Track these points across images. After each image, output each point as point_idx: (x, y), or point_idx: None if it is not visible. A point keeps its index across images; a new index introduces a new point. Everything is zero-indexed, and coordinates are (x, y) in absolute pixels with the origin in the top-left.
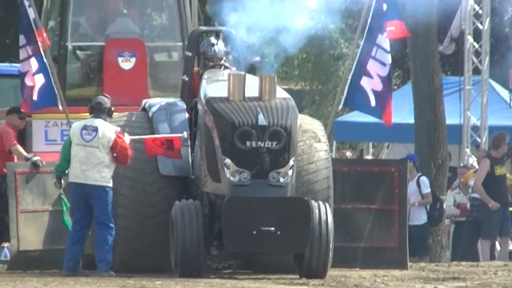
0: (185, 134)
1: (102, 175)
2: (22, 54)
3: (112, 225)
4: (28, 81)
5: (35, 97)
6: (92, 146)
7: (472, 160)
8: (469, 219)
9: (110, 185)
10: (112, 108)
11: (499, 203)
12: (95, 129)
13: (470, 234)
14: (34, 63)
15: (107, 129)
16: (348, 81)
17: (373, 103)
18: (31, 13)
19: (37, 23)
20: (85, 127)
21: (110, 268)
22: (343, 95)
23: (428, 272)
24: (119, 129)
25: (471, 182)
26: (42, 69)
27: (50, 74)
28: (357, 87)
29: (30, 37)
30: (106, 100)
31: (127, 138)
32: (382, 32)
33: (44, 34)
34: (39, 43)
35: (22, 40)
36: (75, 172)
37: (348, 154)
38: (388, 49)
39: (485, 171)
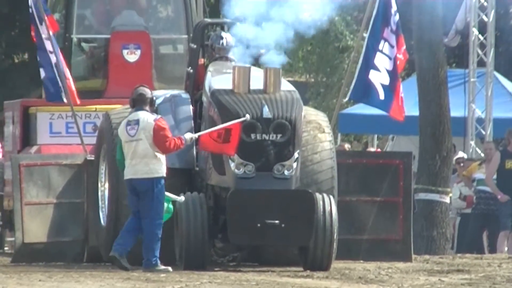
0: (247, 116)
1: (150, 167)
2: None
3: (157, 221)
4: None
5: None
6: (137, 140)
7: (463, 154)
8: (475, 212)
9: (160, 175)
10: (154, 98)
11: (509, 196)
12: (137, 122)
13: (475, 226)
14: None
15: (148, 119)
16: (356, 74)
17: (382, 96)
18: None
19: (41, 10)
20: (128, 123)
21: (152, 265)
22: (349, 87)
23: (433, 265)
24: (159, 116)
25: (476, 175)
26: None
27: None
28: (364, 81)
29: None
30: (147, 91)
31: (188, 136)
32: (388, 25)
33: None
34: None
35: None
36: (127, 169)
37: (347, 146)
38: (393, 43)
39: (496, 165)
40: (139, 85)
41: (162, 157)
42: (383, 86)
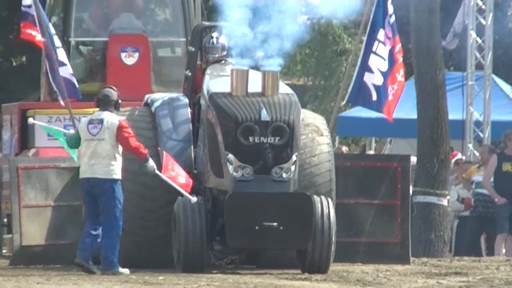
0: (194, 199)
1: (110, 169)
2: (58, 42)
3: (118, 222)
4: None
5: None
6: (99, 139)
7: (460, 155)
8: (473, 214)
9: (118, 177)
10: (120, 101)
11: (506, 199)
12: (101, 122)
13: (473, 229)
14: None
15: (112, 119)
16: (354, 77)
17: (374, 97)
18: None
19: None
20: (91, 121)
21: (115, 266)
22: (347, 90)
23: (431, 267)
24: (123, 118)
25: (474, 178)
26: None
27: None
28: (360, 83)
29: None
30: (113, 93)
31: (151, 164)
32: (383, 27)
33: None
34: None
35: (53, 30)
36: (84, 167)
37: (345, 149)
38: (387, 44)
39: (493, 168)
40: (107, 86)
41: (120, 160)
42: (375, 86)
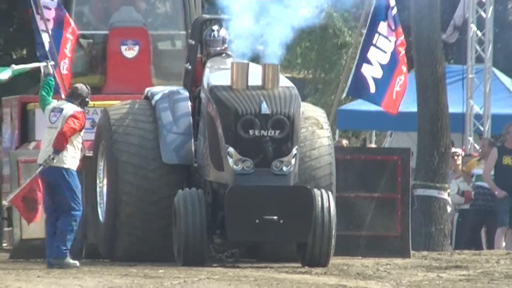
0: (4, 202)
1: (60, 157)
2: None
3: (72, 212)
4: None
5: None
6: (56, 128)
7: (456, 149)
8: (474, 208)
9: (70, 167)
10: (87, 99)
11: (506, 192)
12: (60, 111)
13: (473, 222)
14: None
15: (69, 110)
16: (353, 70)
17: (372, 89)
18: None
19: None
20: (53, 109)
21: (63, 255)
22: (347, 83)
23: (431, 261)
24: (80, 109)
25: (474, 171)
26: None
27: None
28: (358, 75)
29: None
30: (83, 88)
31: (50, 160)
32: (384, 20)
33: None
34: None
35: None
36: (41, 154)
37: (345, 142)
38: (389, 38)
39: (493, 161)
40: (81, 83)
41: (72, 150)
42: (375, 79)
